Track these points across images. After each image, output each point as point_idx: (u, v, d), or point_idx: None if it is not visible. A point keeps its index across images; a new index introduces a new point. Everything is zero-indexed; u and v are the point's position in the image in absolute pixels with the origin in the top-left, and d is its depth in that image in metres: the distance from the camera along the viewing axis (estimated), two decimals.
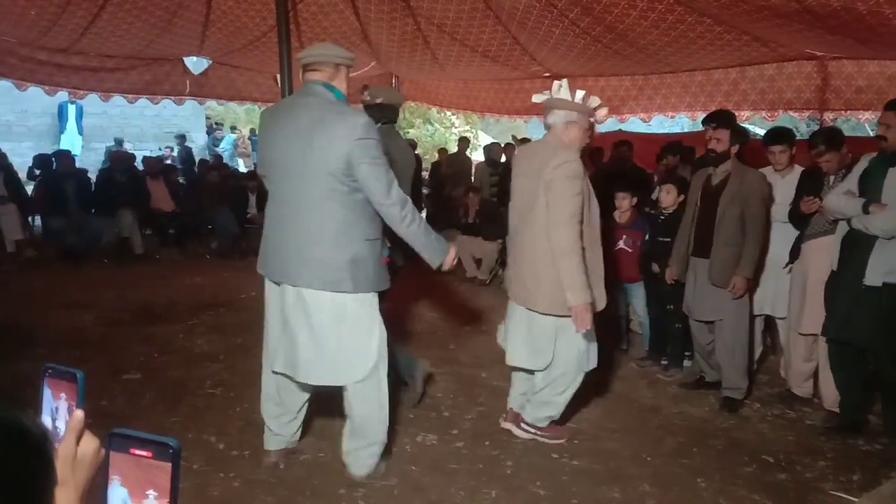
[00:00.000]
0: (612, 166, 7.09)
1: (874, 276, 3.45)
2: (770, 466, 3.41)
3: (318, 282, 2.81)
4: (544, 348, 3.39)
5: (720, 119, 4.11)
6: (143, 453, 0.81)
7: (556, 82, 3.36)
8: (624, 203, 4.98)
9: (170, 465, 0.80)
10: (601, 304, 3.36)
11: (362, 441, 3.07)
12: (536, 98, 3.44)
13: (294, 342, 2.88)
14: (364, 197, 2.83)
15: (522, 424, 3.63)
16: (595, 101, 3.36)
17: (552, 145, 3.33)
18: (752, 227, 3.97)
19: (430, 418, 3.87)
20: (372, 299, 2.95)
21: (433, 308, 6.29)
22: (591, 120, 3.40)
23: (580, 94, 3.32)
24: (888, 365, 3.56)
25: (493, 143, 10.60)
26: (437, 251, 3.04)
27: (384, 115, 3.81)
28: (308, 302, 2.83)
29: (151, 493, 0.80)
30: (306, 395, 3.18)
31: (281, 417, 3.20)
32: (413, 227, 2.92)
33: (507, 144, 9.53)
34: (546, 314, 3.33)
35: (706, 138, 4.11)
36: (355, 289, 2.84)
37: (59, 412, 0.88)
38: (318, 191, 2.78)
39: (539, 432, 3.59)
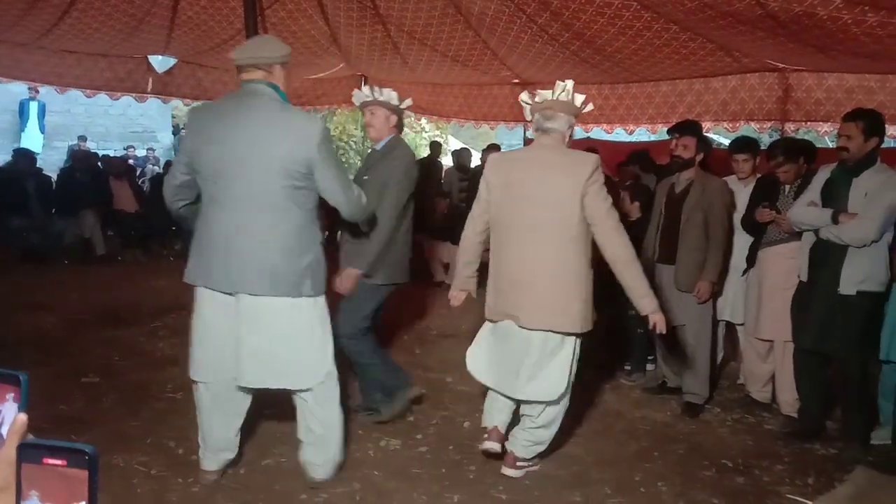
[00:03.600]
0: None
1: (848, 285, 3.52)
2: (729, 470, 3.47)
3: (278, 287, 2.76)
4: (562, 375, 3.13)
5: (687, 128, 4.20)
6: (57, 462, 0.76)
7: (559, 83, 3.12)
8: None
9: (86, 472, 0.76)
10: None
11: (326, 453, 3.05)
12: (524, 97, 3.23)
13: (252, 349, 2.81)
14: (316, 200, 2.86)
15: (518, 463, 3.27)
16: (590, 106, 3.24)
17: (566, 152, 3.14)
18: (715, 233, 4.04)
19: (394, 423, 3.85)
20: (323, 302, 2.97)
21: (399, 312, 6.27)
22: None
23: (580, 97, 3.15)
24: (857, 373, 3.64)
25: (462, 149, 10.62)
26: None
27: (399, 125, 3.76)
28: (266, 309, 2.78)
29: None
30: (247, 404, 3.07)
31: (220, 431, 3.05)
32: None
33: (491, 146, 9.52)
34: (573, 334, 3.12)
35: (671, 147, 4.18)
36: (316, 292, 2.85)
37: (2, 416, 0.85)
38: (274, 195, 2.72)
39: (529, 465, 3.33)
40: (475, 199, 3.32)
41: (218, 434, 3.04)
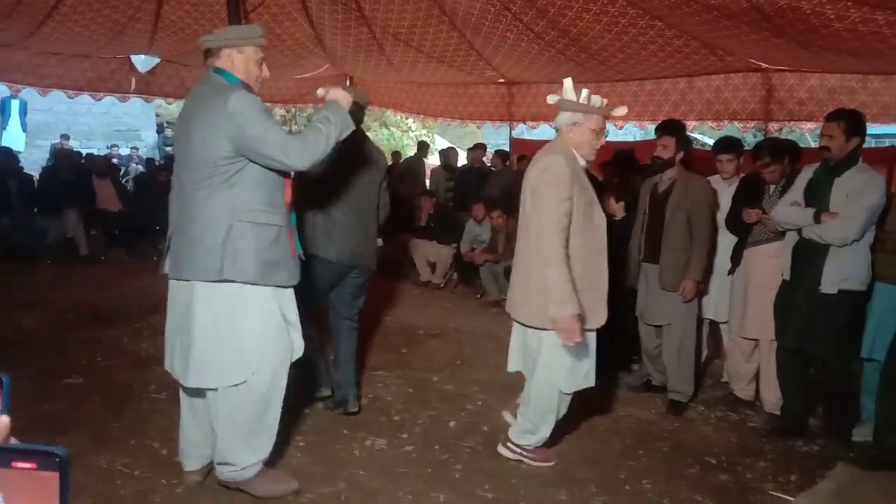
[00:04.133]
0: None
1: (829, 284, 3.56)
2: (713, 468, 3.49)
3: (190, 271, 2.70)
4: (532, 359, 3.28)
5: (665, 127, 4.24)
6: (27, 465, 0.74)
7: (565, 81, 3.17)
8: None
9: (57, 475, 0.74)
10: (598, 321, 3.17)
11: (223, 458, 2.86)
12: (551, 99, 3.19)
13: (170, 337, 2.84)
14: (249, 178, 2.68)
15: (508, 443, 3.42)
16: (598, 100, 3.16)
17: (549, 149, 3.20)
18: (699, 232, 4.07)
19: (380, 422, 3.85)
20: (269, 294, 2.77)
21: (386, 311, 6.28)
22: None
23: (584, 92, 3.13)
24: (838, 371, 3.68)
25: (449, 148, 10.65)
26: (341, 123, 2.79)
27: (357, 116, 3.67)
28: (187, 294, 2.73)
29: None
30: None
31: (195, 430, 2.97)
32: (323, 138, 2.70)
33: (477, 146, 9.60)
34: (532, 327, 3.21)
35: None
36: (239, 277, 2.68)
37: None
38: (197, 179, 2.67)
39: (524, 454, 3.39)
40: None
41: (189, 430, 3.00)
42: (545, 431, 3.36)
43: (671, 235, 4.09)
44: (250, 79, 2.83)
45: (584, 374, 3.24)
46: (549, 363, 3.20)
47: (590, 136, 3.16)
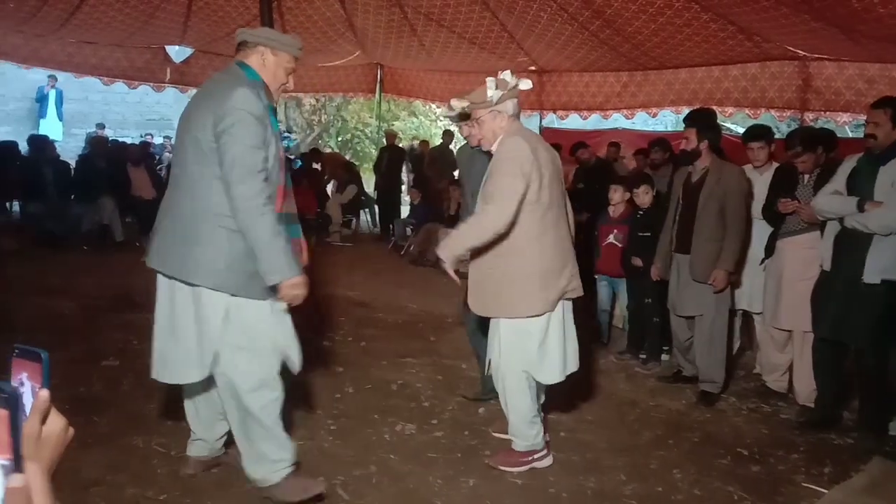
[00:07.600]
0: (597, 163, 7.26)
1: (872, 273, 3.47)
2: (744, 459, 3.46)
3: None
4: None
5: (687, 119, 4.21)
6: None
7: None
8: (616, 195, 4.99)
9: (7, 412, 0.76)
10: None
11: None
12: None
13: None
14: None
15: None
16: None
17: None
18: (732, 222, 4.01)
19: (410, 408, 3.88)
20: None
21: (414, 300, 6.30)
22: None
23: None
24: (874, 361, 3.60)
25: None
26: (279, 267, 2.50)
27: None
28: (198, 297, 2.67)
29: None
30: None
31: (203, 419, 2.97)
32: (258, 220, 2.46)
33: None
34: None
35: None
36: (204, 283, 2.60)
37: (25, 392, 0.87)
38: (187, 168, 2.59)
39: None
40: None
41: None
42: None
43: (703, 225, 4.03)
44: (274, 83, 2.73)
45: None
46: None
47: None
